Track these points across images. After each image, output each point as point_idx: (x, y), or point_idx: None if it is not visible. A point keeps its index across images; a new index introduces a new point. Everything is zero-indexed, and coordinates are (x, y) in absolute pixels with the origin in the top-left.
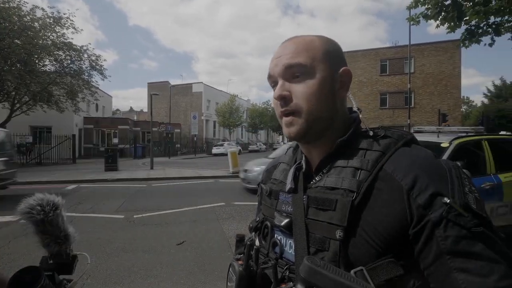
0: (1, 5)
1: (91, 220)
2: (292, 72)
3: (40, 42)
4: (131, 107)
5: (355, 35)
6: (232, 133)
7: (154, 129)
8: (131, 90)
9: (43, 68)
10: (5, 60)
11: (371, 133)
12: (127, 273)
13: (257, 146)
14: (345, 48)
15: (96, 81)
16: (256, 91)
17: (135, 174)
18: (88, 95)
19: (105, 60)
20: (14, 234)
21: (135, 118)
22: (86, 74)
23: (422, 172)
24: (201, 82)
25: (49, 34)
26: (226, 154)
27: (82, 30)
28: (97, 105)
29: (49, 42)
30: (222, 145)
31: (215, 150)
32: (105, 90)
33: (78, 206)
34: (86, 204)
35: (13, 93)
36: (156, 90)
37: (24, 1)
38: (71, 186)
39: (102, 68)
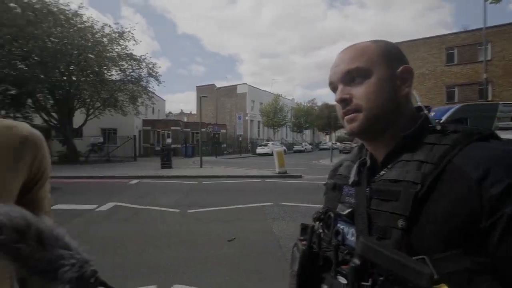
0: (79, 25)
1: (150, 212)
2: (351, 77)
3: (108, 54)
4: (181, 110)
5: (411, 23)
6: (276, 133)
7: (202, 129)
8: (181, 94)
9: (110, 77)
10: (82, 72)
11: (439, 127)
12: (182, 264)
13: (302, 146)
14: (401, 38)
15: (153, 87)
16: (301, 90)
17: (187, 171)
18: (146, 99)
19: (160, 67)
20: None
21: (185, 119)
22: (145, 80)
23: (497, 164)
24: (245, 83)
25: (115, 47)
26: (270, 154)
27: (141, 41)
28: (153, 108)
29: (115, 54)
30: (266, 145)
31: (259, 150)
32: (159, 94)
33: (139, 199)
34: (146, 198)
35: (88, 100)
36: (204, 93)
37: (96, 20)
38: (134, 181)
39: (158, 75)
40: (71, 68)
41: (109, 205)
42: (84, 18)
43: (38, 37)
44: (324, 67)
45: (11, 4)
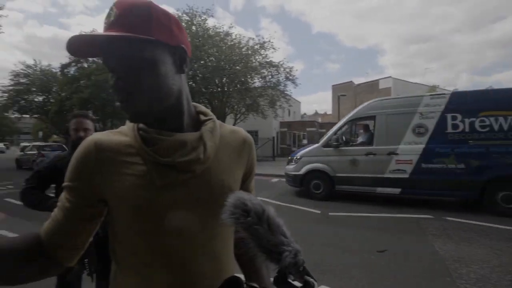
0: (230, 43)
1: (291, 210)
2: None
3: (251, 65)
4: (315, 111)
5: None
6: None
7: None
8: (314, 94)
9: (252, 85)
10: (231, 82)
11: None
12: (327, 268)
13: None
14: None
15: (290, 90)
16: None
17: None
18: (284, 102)
19: (296, 70)
20: None
21: (319, 120)
22: (282, 85)
23: None
24: (389, 77)
25: (257, 57)
26: None
27: (278, 48)
28: (289, 110)
29: (257, 64)
30: None
31: None
32: (295, 96)
33: (280, 197)
34: (287, 196)
35: (235, 106)
36: (340, 91)
37: (243, 36)
38: (275, 179)
39: (294, 78)
40: (223, 81)
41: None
42: (233, 36)
43: (202, 58)
44: (505, 44)
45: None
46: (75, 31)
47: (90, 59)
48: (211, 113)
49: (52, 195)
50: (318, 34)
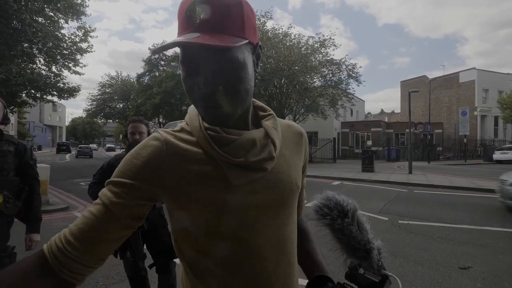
0: (288, 43)
1: None
2: None
3: (310, 64)
4: (381, 109)
5: None
6: None
7: (410, 130)
8: (381, 92)
9: (312, 85)
10: (290, 83)
11: None
12: (400, 280)
13: None
14: None
15: (352, 88)
16: None
17: (392, 177)
18: (346, 101)
19: (360, 67)
20: None
21: (386, 119)
22: (344, 83)
23: None
24: (473, 68)
25: (317, 56)
26: None
27: (340, 45)
28: (351, 110)
29: (317, 63)
30: (510, 148)
31: (498, 156)
32: (358, 95)
33: None
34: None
35: (294, 107)
36: (411, 87)
37: (302, 35)
38: (336, 182)
39: (358, 75)
40: (282, 82)
41: None
42: (292, 36)
43: (261, 60)
44: None
45: None
46: (148, 43)
47: (160, 67)
48: (269, 108)
49: None
50: (385, 26)
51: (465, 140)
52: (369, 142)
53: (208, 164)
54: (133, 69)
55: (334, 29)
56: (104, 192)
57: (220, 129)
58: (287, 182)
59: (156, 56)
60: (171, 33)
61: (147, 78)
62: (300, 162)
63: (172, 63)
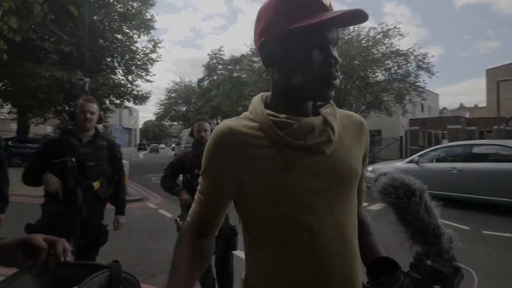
0: (347, 37)
1: None
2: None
3: (372, 57)
4: (461, 104)
5: None
6: None
7: (497, 127)
8: (460, 84)
9: (374, 79)
10: (349, 79)
11: None
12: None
13: None
14: None
15: (423, 80)
16: None
17: None
18: (415, 96)
19: (432, 56)
20: None
21: (467, 115)
22: (413, 75)
23: None
24: None
25: (379, 47)
26: None
27: (407, 33)
28: (422, 105)
29: (379, 55)
30: None
31: None
32: (430, 88)
33: None
34: None
35: (354, 104)
36: (501, 76)
37: (362, 27)
38: None
39: (429, 66)
40: (340, 78)
41: (381, 205)
42: (351, 29)
43: None
44: None
45: None
46: (207, 50)
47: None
48: None
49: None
50: (464, 7)
51: None
52: (445, 141)
53: (269, 147)
54: (194, 75)
55: (399, 17)
56: (201, 184)
57: (284, 115)
58: (346, 168)
59: (214, 61)
60: (227, 38)
61: (206, 82)
62: (360, 151)
63: (229, 67)
